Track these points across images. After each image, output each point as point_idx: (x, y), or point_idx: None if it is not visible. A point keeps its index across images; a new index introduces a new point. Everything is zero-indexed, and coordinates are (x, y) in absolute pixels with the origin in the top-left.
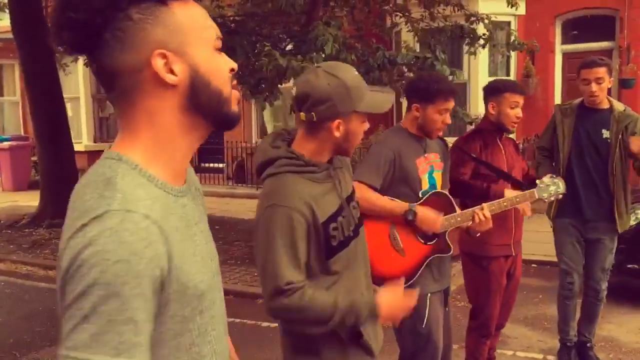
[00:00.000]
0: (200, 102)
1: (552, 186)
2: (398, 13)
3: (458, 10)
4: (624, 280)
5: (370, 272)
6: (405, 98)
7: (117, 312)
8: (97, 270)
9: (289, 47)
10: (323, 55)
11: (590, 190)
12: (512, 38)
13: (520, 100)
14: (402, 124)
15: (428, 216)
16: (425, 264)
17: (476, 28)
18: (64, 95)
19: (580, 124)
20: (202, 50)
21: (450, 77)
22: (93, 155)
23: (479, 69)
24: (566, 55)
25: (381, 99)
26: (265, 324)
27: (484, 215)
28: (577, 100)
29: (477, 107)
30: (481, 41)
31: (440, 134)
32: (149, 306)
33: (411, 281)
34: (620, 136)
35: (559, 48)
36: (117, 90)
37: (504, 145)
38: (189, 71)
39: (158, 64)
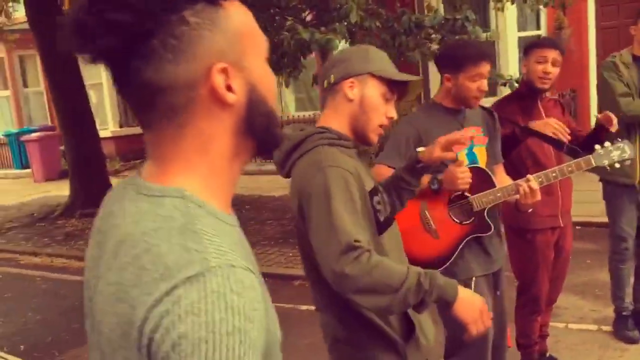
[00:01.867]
0: (256, 123)
1: (614, 151)
2: None
3: None
4: None
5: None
6: (434, 63)
7: None
8: (206, 349)
9: (309, 17)
10: (346, 24)
11: None
12: None
13: (549, 54)
14: (435, 98)
15: (452, 174)
16: (461, 245)
17: None
18: (87, 82)
19: None
20: (259, 62)
21: (485, 38)
22: (119, 140)
23: (507, 25)
24: (599, 2)
25: (401, 74)
26: (304, 307)
27: (529, 187)
28: (627, 51)
29: (508, 66)
30: None
31: (479, 102)
32: None
33: (447, 264)
34: None
35: None
36: (160, 108)
37: (546, 108)
38: (247, 88)
39: (218, 80)
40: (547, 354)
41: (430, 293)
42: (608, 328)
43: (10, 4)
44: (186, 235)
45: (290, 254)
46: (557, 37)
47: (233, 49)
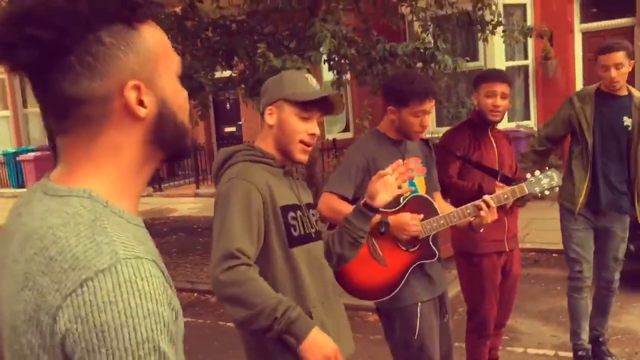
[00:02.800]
0: (165, 135)
1: (544, 179)
2: (404, 2)
3: None
4: None
5: (351, 284)
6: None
7: None
8: (128, 332)
9: (292, 44)
10: (321, 53)
11: (608, 179)
12: (520, 24)
13: (497, 88)
14: (379, 127)
15: (402, 221)
16: (408, 272)
17: (484, 14)
18: None
19: (599, 111)
20: (169, 79)
21: (453, 67)
22: None
23: (495, 55)
24: (586, 35)
25: (312, 92)
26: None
27: (488, 206)
28: (593, 87)
29: None
30: (490, 27)
31: (422, 136)
32: (175, 353)
33: (395, 291)
34: None
35: (578, 27)
36: (75, 118)
37: (495, 138)
38: (157, 103)
39: (131, 95)
40: None
41: (279, 322)
42: (565, 354)
43: None
44: (94, 229)
45: None
46: (544, 67)
47: (145, 68)
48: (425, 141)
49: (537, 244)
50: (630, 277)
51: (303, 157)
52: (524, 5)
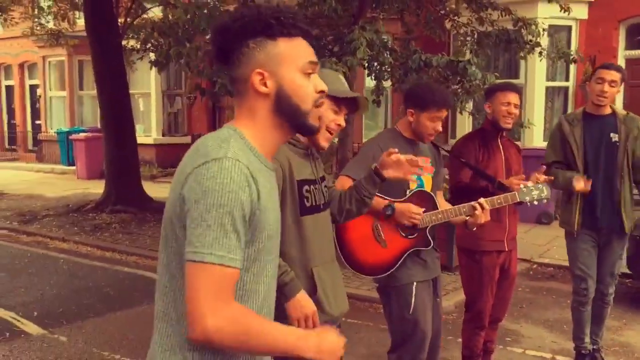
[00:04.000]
0: (283, 109)
1: (535, 191)
2: (447, 17)
3: (505, 14)
4: None
5: (352, 258)
6: (404, 98)
7: (230, 224)
8: (217, 195)
9: (336, 49)
10: (357, 58)
11: (605, 196)
12: (560, 47)
13: (511, 98)
14: (396, 126)
15: (406, 209)
16: (404, 256)
17: (525, 33)
18: (137, 91)
19: (588, 131)
20: (291, 73)
21: (482, 81)
22: (160, 148)
23: (535, 74)
24: (629, 62)
25: (345, 90)
26: None
27: (483, 208)
28: (580, 110)
29: (533, 112)
30: (527, 47)
31: (432, 139)
32: (245, 225)
33: (391, 271)
34: (627, 138)
35: (622, 53)
36: (236, 90)
37: (504, 146)
38: (277, 86)
39: (255, 78)
40: None
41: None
42: (561, 358)
43: (74, 12)
44: (223, 141)
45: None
46: (583, 89)
47: (271, 62)
48: (436, 145)
49: (556, 260)
50: (637, 297)
51: (325, 144)
52: (569, 28)
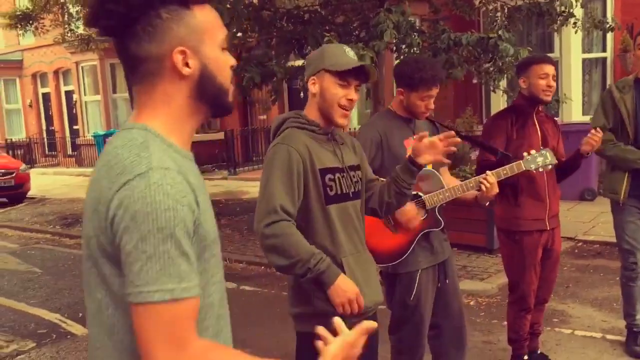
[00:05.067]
0: (206, 92)
1: (539, 157)
2: None
3: None
4: None
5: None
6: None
7: (175, 248)
8: (151, 219)
9: (362, 34)
10: (384, 42)
11: None
12: (594, 16)
13: (549, 70)
14: (390, 106)
15: (407, 214)
16: (416, 239)
17: (557, 4)
18: None
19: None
20: (213, 49)
21: (514, 57)
22: (195, 145)
23: (571, 47)
24: None
25: (353, 62)
26: None
27: (488, 182)
28: (631, 77)
29: (570, 86)
30: (560, 18)
31: (427, 116)
32: (191, 241)
33: (404, 256)
34: None
35: None
36: (140, 72)
37: (539, 121)
38: (200, 66)
39: (177, 58)
40: (538, 352)
41: (311, 271)
42: (612, 337)
43: None
44: (141, 148)
45: None
46: (622, 59)
47: (192, 38)
48: (433, 122)
49: (602, 237)
50: None
51: (342, 121)
52: None
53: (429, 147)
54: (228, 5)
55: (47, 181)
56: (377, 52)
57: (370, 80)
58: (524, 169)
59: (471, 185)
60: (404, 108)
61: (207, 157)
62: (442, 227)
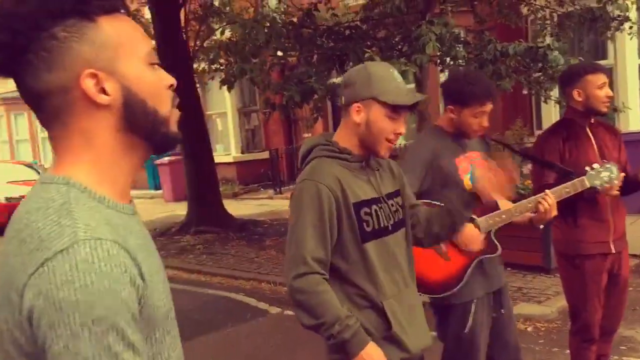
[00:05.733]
0: (136, 122)
1: (604, 172)
2: (523, 1)
3: None
4: None
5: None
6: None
7: (118, 343)
8: (83, 309)
9: (405, 48)
10: (427, 55)
11: None
12: None
13: (605, 79)
14: (438, 123)
15: (470, 236)
16: (471, 267)
17: (611, 9)
18: (214, 111)
19: None
20: (134, 66)
21: (563, 66)
22: (240, 165)
23: (626, 52)
24: None
25: (409, 97)
26: None
27: (548, 203)
28: None
29: (627, 94)
30: (615, 23)
31: (480, 134)
32: (138, 325)
33: (458, 286)
34: None
35: None
36: (47, 111)
37: (594, 133)
38: (122, 90)
39: (87, 84)
40: None
41: (334, 338)
42: None
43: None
44: (61, 213)
45: None
46: None
47: (102, 57)
48: (484, 138)
49: None
50: None
51: (386, 154)
52: None
53: (491, 183)
54: (267, 24)
55: None
56: (420, 65)
57: (418, 107)
58: (588, 185)
59: (530, 205)
60: (454, 126)
61: (253, 177)
62: (499, 252)
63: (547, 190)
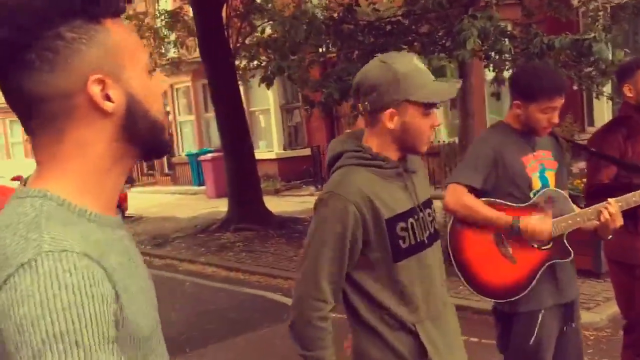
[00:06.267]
0: (137, 131)
1: None
2: None
3: None
4: None
5: (477, 282)
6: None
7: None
8: (45, 325)
9: (448, 43)
10: (468, 50)
11: None
12: None
13: None
14: (505, 119)
15: (534, 226)
16: (540, 271)
17: None
18: (256, 108)
19: None
20: (138, 75)
21: (609, 59)
22: (282, 162)
23: None
24: None
25: (443, 89)
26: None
27: (609, 212)
28: None
29: None
30: None
31: (549, 131)
32: (110, 348)
33: (525, 292)
34: None
35: None
36: (40, 117)
37: None
38: (126, 98)
39: (94, 89)
40: None
41: None
42: None
43: (191, 38)
44: (29, 227)
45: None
46: None
47: (110, 62)
48: (555, 136)
49: None
50: None
51: (425, 148)
52: None
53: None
54: (307, 21)
55: (144, 200)
56: (461, 61)
57: (452, 97)
58: None
59: (591, 213)
60: (521, 122)
61: (295, 174)
62: (571, 257)
63: (609, 200)
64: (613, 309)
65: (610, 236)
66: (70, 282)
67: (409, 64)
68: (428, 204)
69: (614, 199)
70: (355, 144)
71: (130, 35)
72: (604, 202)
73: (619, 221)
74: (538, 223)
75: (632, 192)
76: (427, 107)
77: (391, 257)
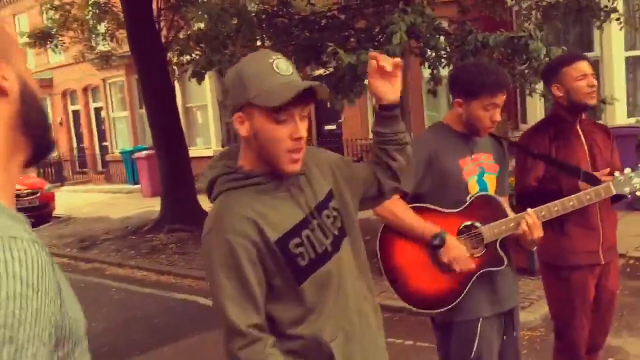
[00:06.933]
0: (31, 120)
1: (636, 178)
2: None
3: None
4: None
5: (407, 291)
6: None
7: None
8: None
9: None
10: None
11: None
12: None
13: (586, 69)
14: (444, 120)
15: (457, 250)
16: (473, 279)
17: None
18: (194, 104)
19: None
20: (23, 62)
21: (545, 57)
22: None
23: (612, 44)
24: None
25: (281, 88)
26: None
27: (527, 223)
28: None
29: (613, 86)
30: (602, 14)
31: (491, 131)
32: (46, 352)
33: (456, 301)
34: None
35: None
36: None
37: (585, 133)
38: (19, 82)
39: None
40: None
41: None
42: None
43: (121, 30)
44: None
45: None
46: None
47: (1, 44)
48: (498, 138)
49: None
50: None
51: (294, 168)
52: None
53: (381, 79)
54: (235, 12)
55: (75, 199)
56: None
57: (322, 99)
58: (614, 192)
59: (511, 223)
60: (462, 122)
61: None
62: (504, 265)
63: (529, 210)
64: (546, 308)
65: (534, 247)
66: (19, 272)
67: (261, 65)
68: (326, 202)
69: (533, 209)
70: (224, 166)
71: (12, 33)
72: (523, 213)
73: (538, 233)
74: (461, 250)
75: (584, 191)
76: (278, 112)
77: (293, 279)
